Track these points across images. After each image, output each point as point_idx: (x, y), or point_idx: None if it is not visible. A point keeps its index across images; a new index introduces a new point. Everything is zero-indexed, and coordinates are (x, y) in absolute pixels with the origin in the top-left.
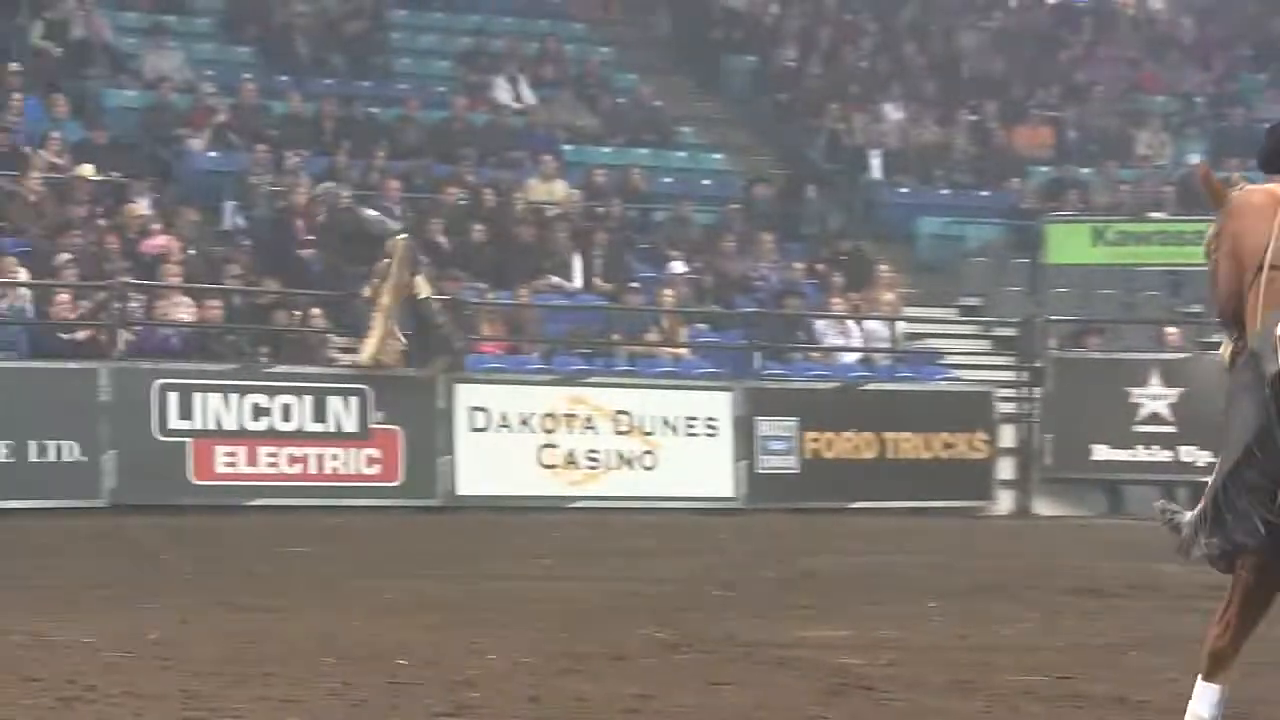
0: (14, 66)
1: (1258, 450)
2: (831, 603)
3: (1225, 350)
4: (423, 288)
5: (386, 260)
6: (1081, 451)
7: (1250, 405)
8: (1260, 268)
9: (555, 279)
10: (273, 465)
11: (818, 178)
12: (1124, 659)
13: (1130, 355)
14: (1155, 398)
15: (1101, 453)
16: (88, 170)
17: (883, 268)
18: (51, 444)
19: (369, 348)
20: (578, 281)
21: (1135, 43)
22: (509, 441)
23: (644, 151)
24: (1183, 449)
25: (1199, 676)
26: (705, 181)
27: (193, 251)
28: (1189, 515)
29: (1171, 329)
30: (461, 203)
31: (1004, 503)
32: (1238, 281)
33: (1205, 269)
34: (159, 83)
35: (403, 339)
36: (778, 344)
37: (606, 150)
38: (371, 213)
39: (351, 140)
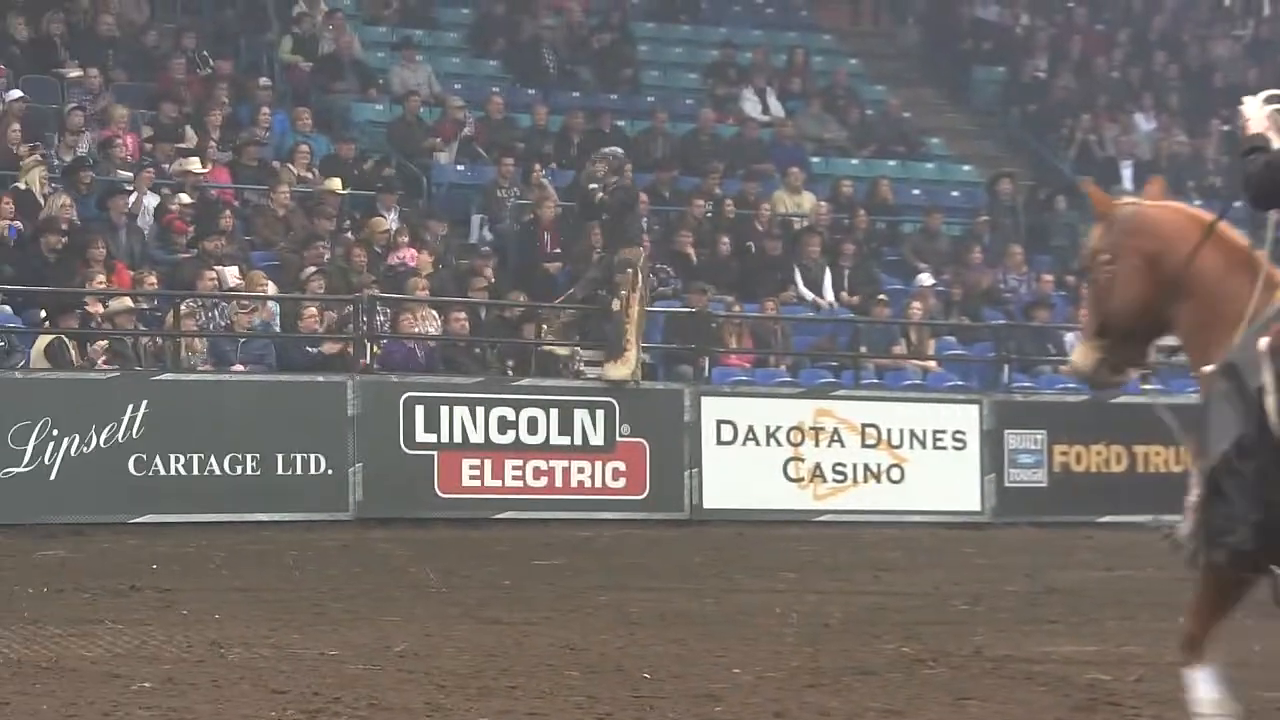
0: (264, 81)
1: (1236, 460)
2: (1079, 618)
3: (1084, 359)
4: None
5: (629, 270)
6: None
7: (1229, 414)
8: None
9: (809, 293)
10: (518, 478)
11: (1067, 188)
12: None
13: None
14: None
15: None
16: (335, 184)
17: None
18: (299, 457)
19: (630, 363)
20: (827, 294)
21: None
22: (755, 455)
23: (892, 163)
24: None
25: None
26: (954, 193)
27: (440, 265)
28: (1186, 527)
29: None
30: (708, 215)
31: None
32: (1150, 298)
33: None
34: (406, 96)
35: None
36: (1026, 356)
37: (854, 162)
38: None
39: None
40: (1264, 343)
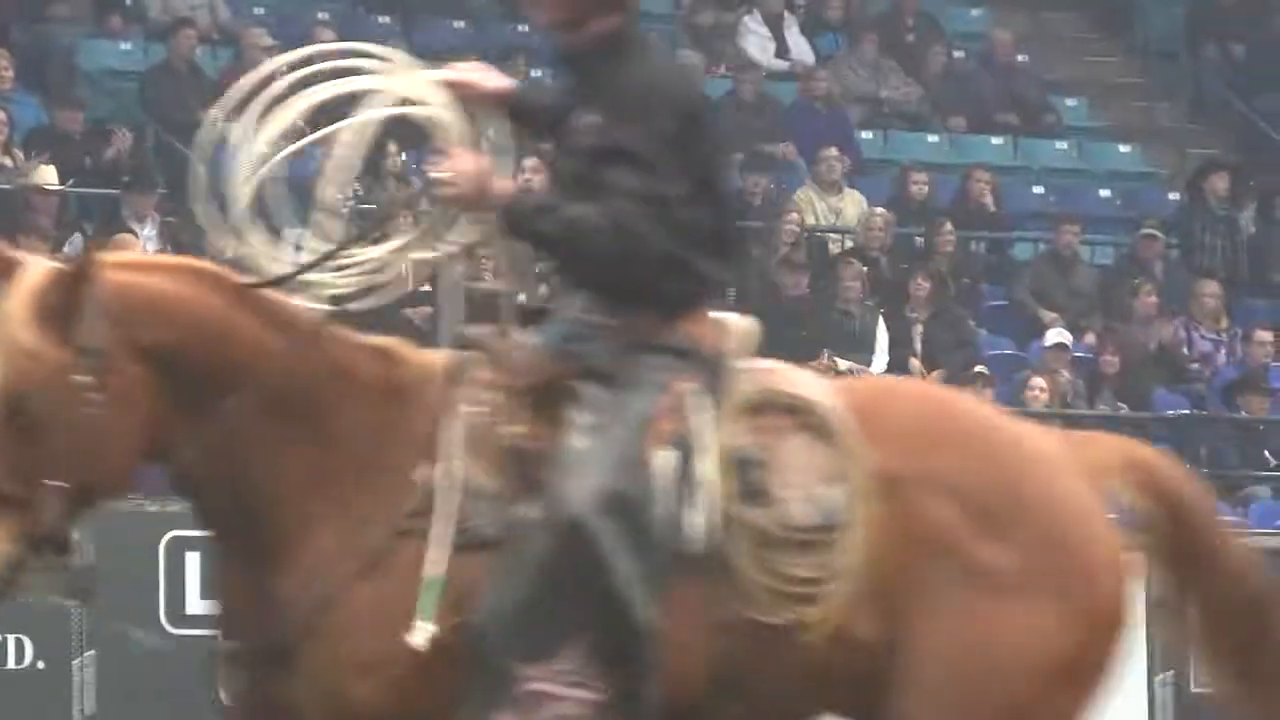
0: None
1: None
2: None
3: None
4: None
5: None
6: None
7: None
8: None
9: (842, 362)
10: None
11: None
12: None
13: None
14: None
15: None
16: (49, 176)
17: None
18: None
19: None
20: (880, 361)
21: None
22: None
23: (998, 142)
24: None
25: None
26: (1104, 192)
27: None
28: None
29: None
30: None
31: None
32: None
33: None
34: (174, 29)
35: None
36: (1228, 471)
37: (933, 140)
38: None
39: None
40: (663, 460)
